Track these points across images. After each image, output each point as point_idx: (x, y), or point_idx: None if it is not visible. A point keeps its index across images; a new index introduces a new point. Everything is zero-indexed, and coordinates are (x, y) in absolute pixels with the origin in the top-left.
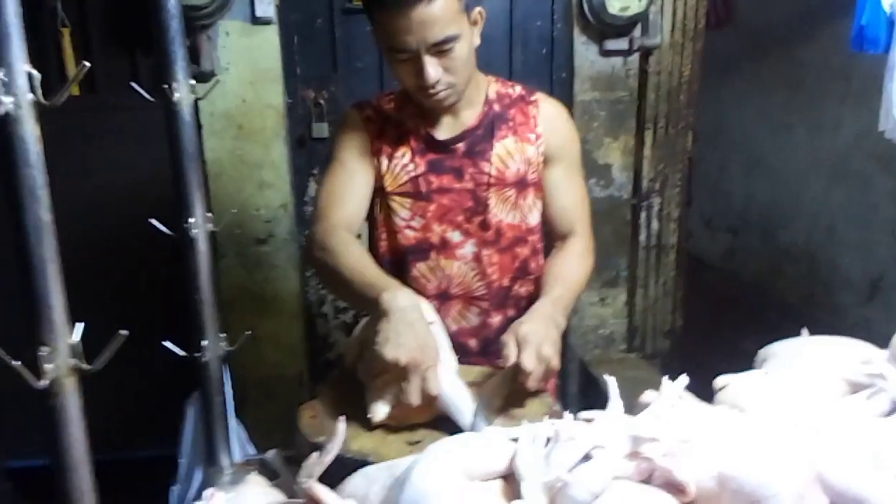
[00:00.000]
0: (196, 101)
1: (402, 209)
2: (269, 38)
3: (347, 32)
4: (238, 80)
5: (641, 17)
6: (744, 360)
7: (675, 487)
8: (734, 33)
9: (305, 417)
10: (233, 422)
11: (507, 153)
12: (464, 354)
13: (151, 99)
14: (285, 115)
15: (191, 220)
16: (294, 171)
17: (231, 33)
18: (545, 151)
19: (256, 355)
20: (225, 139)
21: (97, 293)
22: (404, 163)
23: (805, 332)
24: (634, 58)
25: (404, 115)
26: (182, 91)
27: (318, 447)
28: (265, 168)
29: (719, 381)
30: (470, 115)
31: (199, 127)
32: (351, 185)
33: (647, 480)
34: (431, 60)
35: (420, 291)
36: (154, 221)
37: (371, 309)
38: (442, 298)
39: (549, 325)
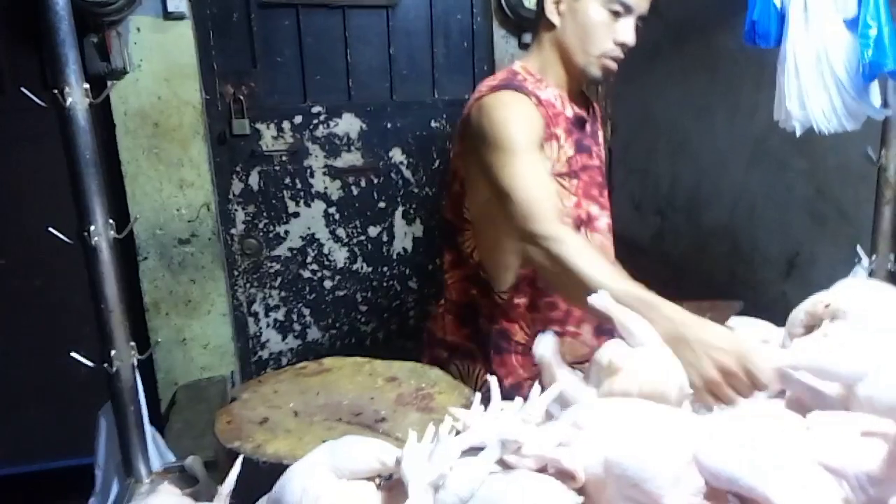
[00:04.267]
0: (90, 104)
1: (560, 191)
2: (183, 33)
3: (266, 26)
4: (152, 77)
5: None
6: None
7: (566, 475)
8: (657, 22)
9: (222, 422)
10: (149, 430)
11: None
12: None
13: (42, 104)
14: (203, 111)
15: (91, 227)
16: (216, 170)
17: (142, 29)
18: None
19: (185, 358)
20: (140, 138)
21: (13, 302)
22: (561, 144)
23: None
24: None
25: (550, 96)
26: (75, 96)
27: (233, 452)
28: (185, 167)
29: None
30: (584, 98)
31: (112, 126)
32: (547, 175)
33: (543, 469)
34: (634, 26)
35: None
36: (52, 230)
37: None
38: None
39: None
